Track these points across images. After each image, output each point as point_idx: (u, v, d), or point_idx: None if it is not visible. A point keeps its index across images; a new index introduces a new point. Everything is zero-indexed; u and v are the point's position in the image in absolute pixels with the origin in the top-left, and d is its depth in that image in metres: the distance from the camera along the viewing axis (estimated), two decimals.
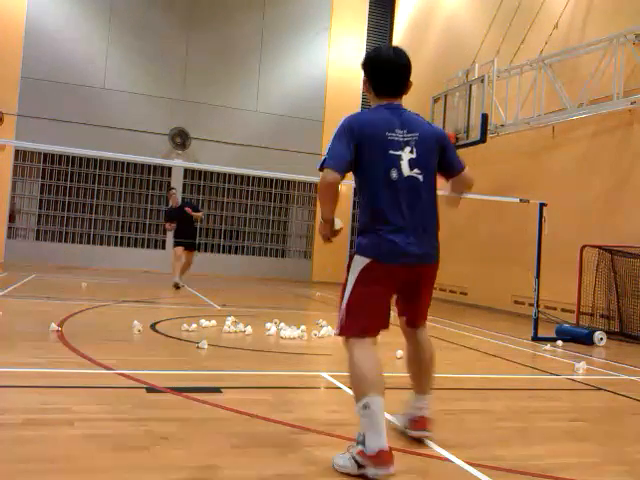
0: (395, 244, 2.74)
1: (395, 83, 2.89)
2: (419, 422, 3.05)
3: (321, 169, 2.75)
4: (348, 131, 2.76)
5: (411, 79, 2.93)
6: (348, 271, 2.84)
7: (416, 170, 2.80)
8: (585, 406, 4.26)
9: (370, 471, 2.51)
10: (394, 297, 2.95)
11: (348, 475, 2.55)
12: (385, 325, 2.87)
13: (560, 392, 4.77)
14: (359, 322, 2.76)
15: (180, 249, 11.58)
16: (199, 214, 11.93)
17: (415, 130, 2.84)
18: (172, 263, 11.75)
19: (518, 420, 3.68)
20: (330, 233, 2.91)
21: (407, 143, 2.80)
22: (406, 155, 2.79)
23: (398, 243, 2.75)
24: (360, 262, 2.79)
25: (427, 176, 2.84)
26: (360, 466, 2.54)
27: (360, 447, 2.56)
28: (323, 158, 2.76)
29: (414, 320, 3.06)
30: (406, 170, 2.78)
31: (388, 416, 2.98)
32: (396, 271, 2.79)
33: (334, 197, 2.78)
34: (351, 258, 2.86)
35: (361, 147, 2.76)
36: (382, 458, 2.51)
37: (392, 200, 2.76)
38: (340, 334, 2.83)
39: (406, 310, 3.04)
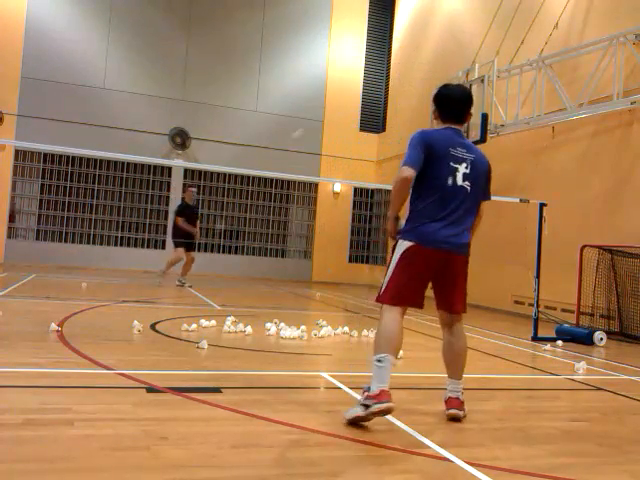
0: (434, 232, 3.37)
1: (459, 112, 3.59)
2: (450, 402, 3.52)
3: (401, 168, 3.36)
4: (421, 142, 3.40)
5: (471, 111, 3.65)
6: (393, 252, 3.46)
7: (467, 182, 3.45)
8: (585, 406, 4.26)
9: (373, 407, 3.07)
10: (431, 287, 3.52)
11: (348, 474, 2.55)
12: (417, 303, 3.44)
13: (560, 392, 4.77)
14: (395, 294, 3.38)
15: (182, 250, 11.59)
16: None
17: (472, 153, 3.52)
18: (171, 261, 11.68)
19: (518, 420, 3.68)
20: (395, 230, 3.46)
21: (464, 160, 3.46)
22: (462, 169, 3.44)
23: (437, 231, 3.37)
24: (403, 245, 3.41)
25: (474, 189, 3.49)
26: (366, 406, 3.11)
27: (366, 392, 3.16)
28: (403, 161, 3.37)
29: (450, 306, 3.56)
30: (459, 180, 3.43)
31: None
32: (433, 255, 3.38)
33: (407, 191, 3.39)
34: (396, 242, 3.48)
35: (429, 155, 3.38)
36: (382, 395, 3.10)
37: (441, 200, 3.40)
38: (377, 300, 3.45)
39: (442, 298, 3.56)
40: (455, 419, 3.45)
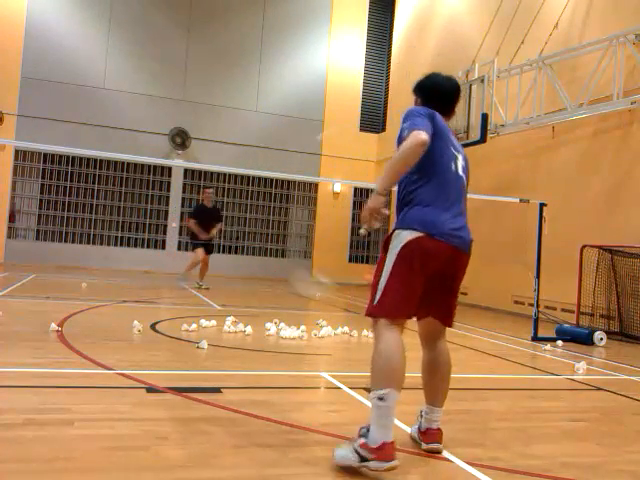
0: (444, 222, 2.73)
1: (449, 106, 3.08)
2: (431, 434, 2.90)
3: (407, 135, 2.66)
4: (428, 114, 2.82)
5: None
6: (387, 248, 2.73)
7: (463, 175, 2.96)
8: (585, 406, 4.26)
9: (372, 464, 2.47)
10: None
11: (348, 474, 2.55)
12: (414, 313, 2.78)
13: (560, 392, 4.77)
14: (395, 303, 2.63)
15: (201, 251, 11.58)
16: (219, 225, 11.99)
17: (461, 148, 3.05)
18: (191, 263, 11.66)
19: (518, 420, 3.68)
20: (380, 213, 2.64)
21: (459, 151, 2.99)
22: (460, 159, 2.96)
23: (446, 221, 2.74)
24: (405, 236, 2.68)
25: (467, 181, 3.02)
26: (363, 459, 2.49)
27: (363, 439, 2.53)
28: (410, 126, 2.67)
29: (444, 315, 2.91)
30: (460, 170, 2.93)
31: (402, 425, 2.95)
32: (441, 250, 2.70)
33: (417, 159, 2.64)
34: (390, 236, 2.75)
35: (435, 134, 2.79)
36: (386, 451, 2.46)
37: (445, 187, 2.82)
38: (369, 314, 2.70)
39: (437, 304, 2.88)
40: (436, 452, 2.87)
